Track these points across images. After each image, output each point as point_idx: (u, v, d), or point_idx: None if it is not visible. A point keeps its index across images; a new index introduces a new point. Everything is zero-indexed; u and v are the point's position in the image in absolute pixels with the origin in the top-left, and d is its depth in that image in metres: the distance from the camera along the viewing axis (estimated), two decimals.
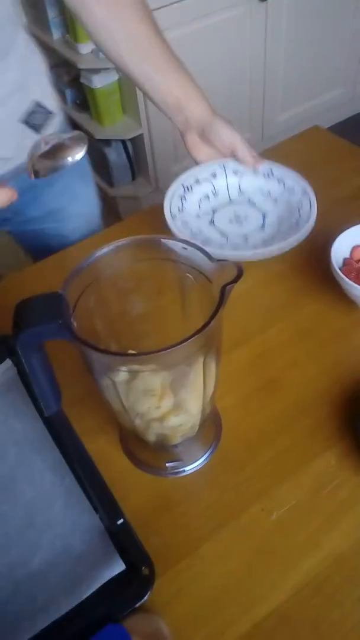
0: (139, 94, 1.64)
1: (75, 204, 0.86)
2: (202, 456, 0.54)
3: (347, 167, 0.86)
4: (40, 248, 0.86)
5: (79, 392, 0.53)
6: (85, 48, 1.61)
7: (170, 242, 0.45)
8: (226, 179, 0.77)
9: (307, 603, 0.45)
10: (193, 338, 0.38)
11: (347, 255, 0.67)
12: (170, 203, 0.73)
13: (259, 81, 1.85)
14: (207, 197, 0.78)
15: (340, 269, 0.64)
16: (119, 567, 0.45)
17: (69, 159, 0.48)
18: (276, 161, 0.76)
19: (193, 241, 0.44)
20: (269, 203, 0.76)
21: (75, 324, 0.41)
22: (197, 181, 0.77)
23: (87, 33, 0.73)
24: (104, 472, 0.52)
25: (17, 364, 0.61)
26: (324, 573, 0.47)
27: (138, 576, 0.44)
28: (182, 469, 0.54)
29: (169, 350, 0.38)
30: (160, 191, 1.85)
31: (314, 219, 0.69)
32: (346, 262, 0.67)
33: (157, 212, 0.73)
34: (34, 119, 0.73)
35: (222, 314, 0.40)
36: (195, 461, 0.54)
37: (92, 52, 1.61)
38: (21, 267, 0.79)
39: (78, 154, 0.48)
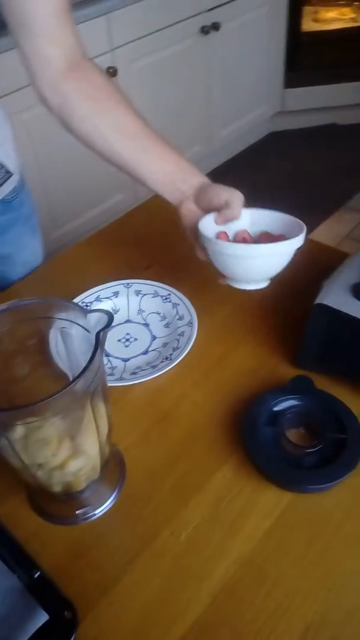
0: None
1: (23, 252, 0.95)
2: (110, 497, 0.57)
3: None
4: None
5: None
6: None
7: (46, 301, 0.49)
8: (127, 298, 0.79)
9: (222, 609, 0.49)
10: (74, 383, 0.43)
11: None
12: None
13: None
14: None
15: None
16: (42, 617, 0.46)
17: None
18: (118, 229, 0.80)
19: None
20: (161, 327, 0.76)
21: None
22: (98, 298, 0.79)
23: (69, 130, 0.73)
24: (17, 533, 0.53)
25: None
26: (234, 578, 0.51)
27: (62, 621, 0.46)
28: (92, 514, 0.56)
29: (52, 398, 0.42)
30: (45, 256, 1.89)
31: (185, 352, 0.70)
32: None
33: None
34: None
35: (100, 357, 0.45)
36: (104, 503, 0.57)
37: None
38: None
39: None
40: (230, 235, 0.71)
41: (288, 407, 0.61)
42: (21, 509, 0.57)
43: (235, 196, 0.68)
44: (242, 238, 0.70)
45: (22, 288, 0.87)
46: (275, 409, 0.61)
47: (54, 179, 1.76)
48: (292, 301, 0.77)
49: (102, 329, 0.45)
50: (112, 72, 1.75)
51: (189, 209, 0.72)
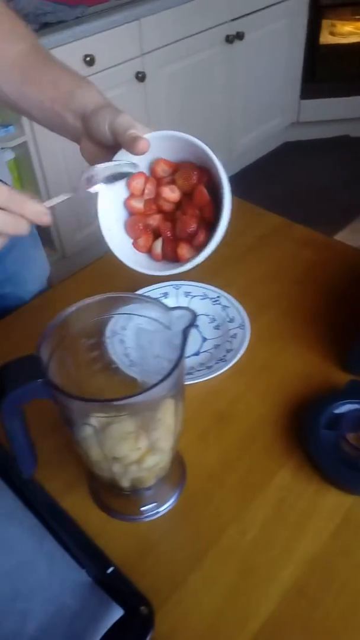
0: (37, 169, 1.70)
1: (32, 267, 0.90)
2: (173, 495, 0.57)
3: None
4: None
5: (41, 455, 0.54)
6: None
7: (128, 298, 0.50)
8: (177, 299, 0.78)
9: (293, 608, 0.49)
10: (164, 380, 0.43)
11: (125, 194, 0.58)
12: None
13: None
14: None
15: (126, 228, 0.58)
16: (117, 613, 0.47)
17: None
18: None
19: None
20: (211, 328, 0.76)
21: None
22: None
23: None
24: (81, 528, 0.54)
25: None
26: (303, 577, 0.51)
27: (138, 617, 0.46)
28: (156, 511, 0.56)
29: (147, 393, 0.42)
30: (68, 257, 1.90)
31: (240, 353, 0.69)
32: (130, 208, 0.58)
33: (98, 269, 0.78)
34: None
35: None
36: (167, 501, 0.57)
37: None
38: None
39: None
40: (146, 165, 0.59)
41: (347, 410, 0.62)
42: (84, 504, 0.57)
43: (123, 122, 0.52)
44: (162, 169, 0.59)
45: (68, 289, 0.87)
46: (335, 411, 0.62)
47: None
48: (334, 305, 0.78)
49: (187, 327, 0.46)
50: (140, 77, 1.76)
51: (87, 149, 0.57)
